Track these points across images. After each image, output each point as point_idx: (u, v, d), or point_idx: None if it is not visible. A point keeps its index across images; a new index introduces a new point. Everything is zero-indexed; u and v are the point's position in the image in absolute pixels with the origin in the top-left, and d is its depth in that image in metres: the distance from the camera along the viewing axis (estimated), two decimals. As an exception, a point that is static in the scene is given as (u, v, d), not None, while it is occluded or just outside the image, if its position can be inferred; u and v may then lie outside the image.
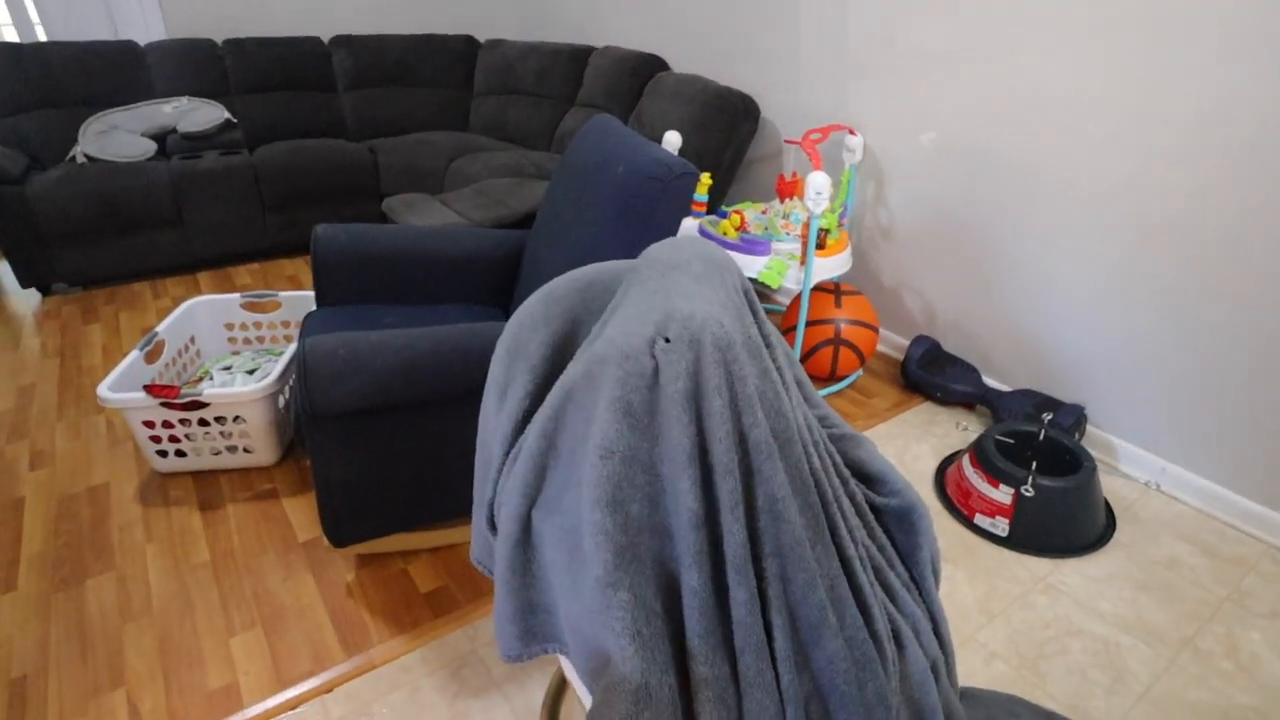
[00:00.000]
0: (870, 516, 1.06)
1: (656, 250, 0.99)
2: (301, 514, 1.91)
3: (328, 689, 1.46)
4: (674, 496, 0.88)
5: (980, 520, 1.88)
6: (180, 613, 1.63)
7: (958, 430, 2.30)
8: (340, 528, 1.55)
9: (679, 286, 0.92)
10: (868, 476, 1.07)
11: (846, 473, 1.02)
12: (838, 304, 2.41)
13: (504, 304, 2.11)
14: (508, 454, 0.99)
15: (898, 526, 1.07)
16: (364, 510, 1.56)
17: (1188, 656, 1.55)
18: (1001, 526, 1.85)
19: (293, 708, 1.43)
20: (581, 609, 0.90)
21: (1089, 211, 2.04)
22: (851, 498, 1.01)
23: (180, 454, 2.00)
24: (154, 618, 1.62)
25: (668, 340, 0.85)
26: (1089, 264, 2.07)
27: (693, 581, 0.88)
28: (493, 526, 1.03)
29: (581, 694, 1.00)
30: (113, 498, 1.98)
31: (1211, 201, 1.82)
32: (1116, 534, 1.89)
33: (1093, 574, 1.76)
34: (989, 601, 1.68)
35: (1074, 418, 2.08)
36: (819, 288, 2.49)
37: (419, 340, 1.44)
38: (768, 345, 1.02)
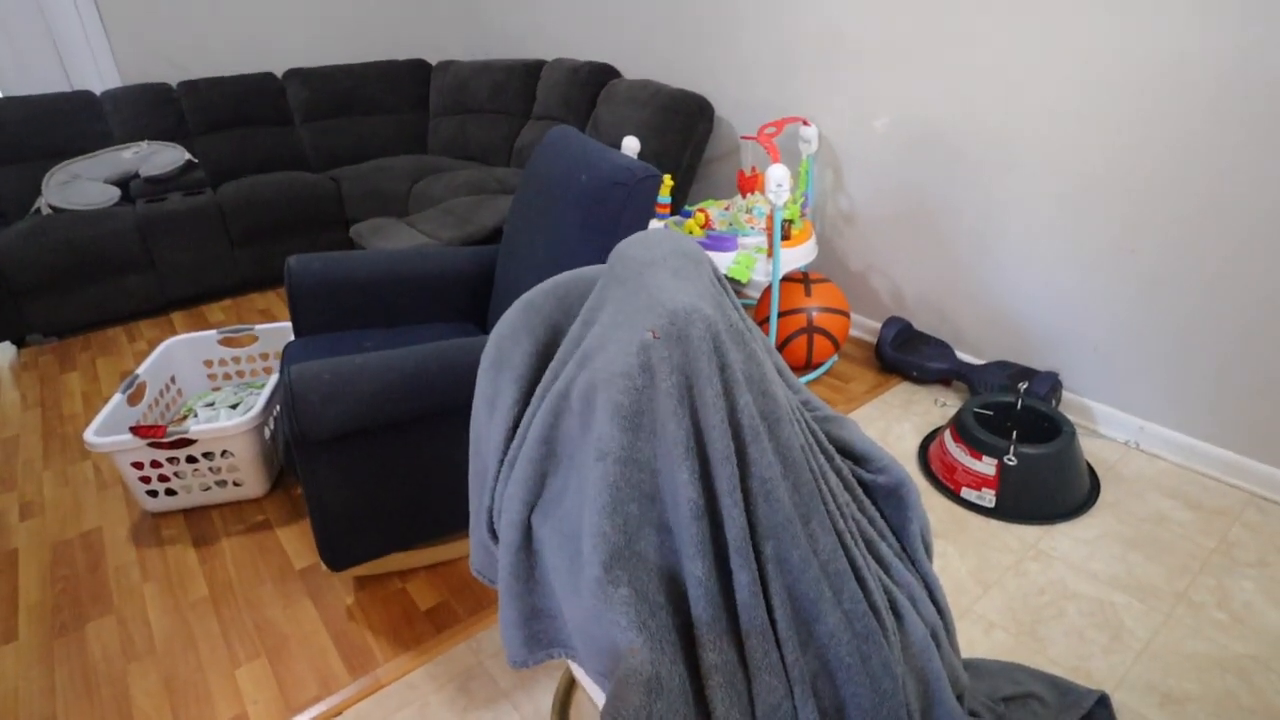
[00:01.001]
0: (859, 491, 1.09)
1: (629, 247, 1.01)
2: (296, 542, 1.92)
3: (336, 713, 1.47)
4: (673, 490, 0.90)
5: (967, 493, 1.92)
6: (183, 649, 1.64)
7: (937, 406, 2.34)
8: (336, 551, 1.56)
9: (658, 282, 0.94)
10: (854, 456, 1.10)
11: (832, 449, 1.04)
12: (808, 293, 2.46)
13: (479, 320, 2.13)
14: (503, 462, 1.01)
15: (887, 502, 1.10)
16: (359, 532, 1.57)
17: (1182, 610, 1.60)
18: (988, 498, 1.89)
19: (303, 733, 1.44)
20: (585, 609, 0.92)
21: (1041, 179, 2.09)
22: (839, 473, 1.04)
23: (170, 493, 2.00)
24: (157, 656, 1.63)
25: (655, 337, 0.88)
26: (1047, 231, 2.12)
27: (697, 571, 0.90)
28: (493, 535, 1.05)
29: (594, 694, 1.01)
30: (106, 541, 1.98)
31: (1156, 161, 1.88)
32: (1101, 495, 1.94)
33: (1082, 536, 1.81)
34: (982, 573, 1.72)
35: (1049, 385, 2.13)
36: (788, 278, 2.54)
37: (402, 359, 1.46)
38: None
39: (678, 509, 0.89)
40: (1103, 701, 1.38)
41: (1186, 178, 1.85)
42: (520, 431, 0.99)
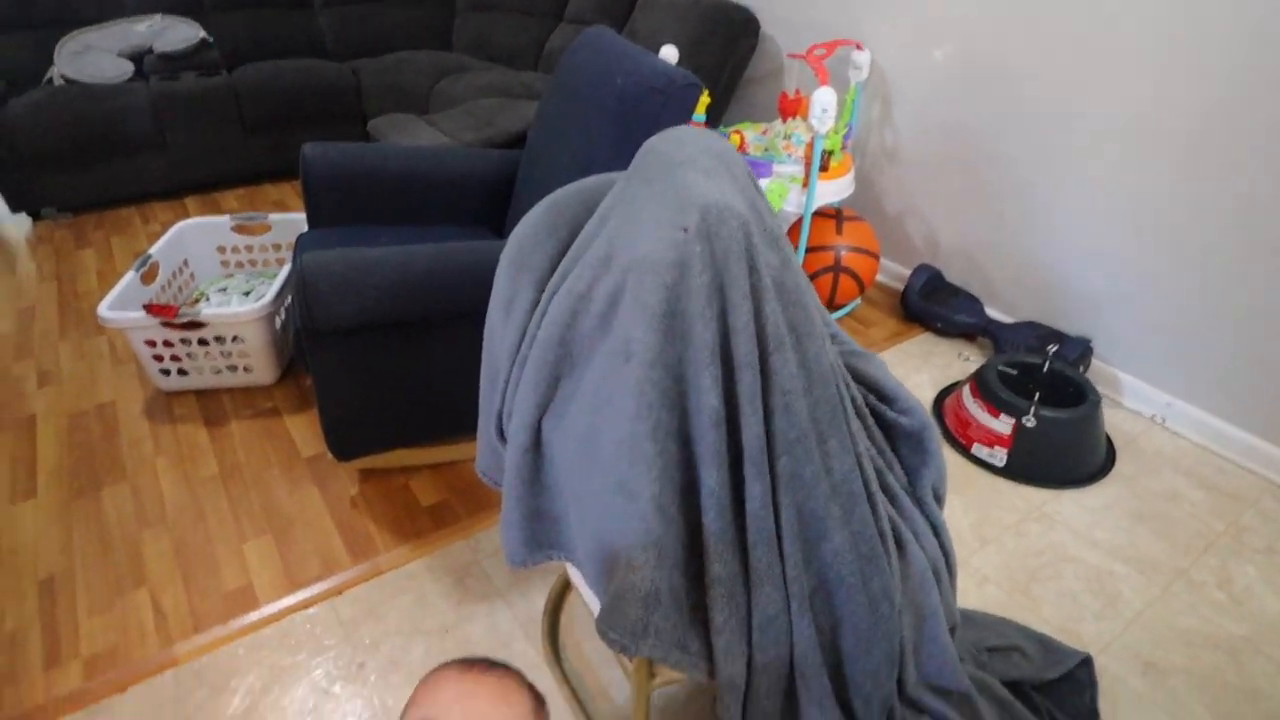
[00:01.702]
0: (871, 421, 1.12)
1: (659, 143, 1.01)
2: (303, 430, 2.01)
3: (337, 592, 1.58)
4: (696, 396, 0.92)
5: (978, 450, 1.97)
6: (193, 521, 1.75)
7: (959, 360, 2.37)
8: (343, 442, 1.64)
9: (689, 180, 0.94)
10: (879, 393, 1.13)
11: (848, 377, 1.07)
12: (839, 230, 2.45)
13: (496, 226, 2.15)
14: (514, 363, 1.05)
15: (905, 444, 1.12)
16: (366, 426, 1.64)
17: (1180, 586, 1.64)
18: (999, 456, 1.93)
19: (305, 608, 1.54)
20: (596, 514, 0.96)
21: (1102, 135, 2.06)
22: (854, 400, 1.07)
23: (182, 373, 2.09)
24: (169, 525, 1.74)
25: (685, 231, 0.89)
26: (1099, 192, 2.10)
27: (711, 481, 0.94)
28: (501, 437, 1.10)
29: (588, 598, 1.07)
30: (120, 414, 2.08)
31: (1229, 127, 1.84)
32: (1116, 467, 1.98)
33: (1090, 504, 1.85)
34: (983, 528, 1.78)
35: (1079, 350, 2.15)
36: (820, 213, 2.53)
37: (418, 256, 1.50)
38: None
39: (699, 416, 0.91)
40: (1086, 663, 1.45)
41: (1270, 152, 1.80)
42: (530, 332, 1.02)
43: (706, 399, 0.92)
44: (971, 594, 1.62)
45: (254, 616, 1.53)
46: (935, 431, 1.11)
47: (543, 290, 1.06)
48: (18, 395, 2.16)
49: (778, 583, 0.99)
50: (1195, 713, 1.38)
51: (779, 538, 0.98)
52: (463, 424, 1.71)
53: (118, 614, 1.54)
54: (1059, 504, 1.85)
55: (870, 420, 1.11)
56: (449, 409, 1.67)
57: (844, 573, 1.00)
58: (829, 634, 1.05)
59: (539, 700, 0.74)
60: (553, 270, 1.08)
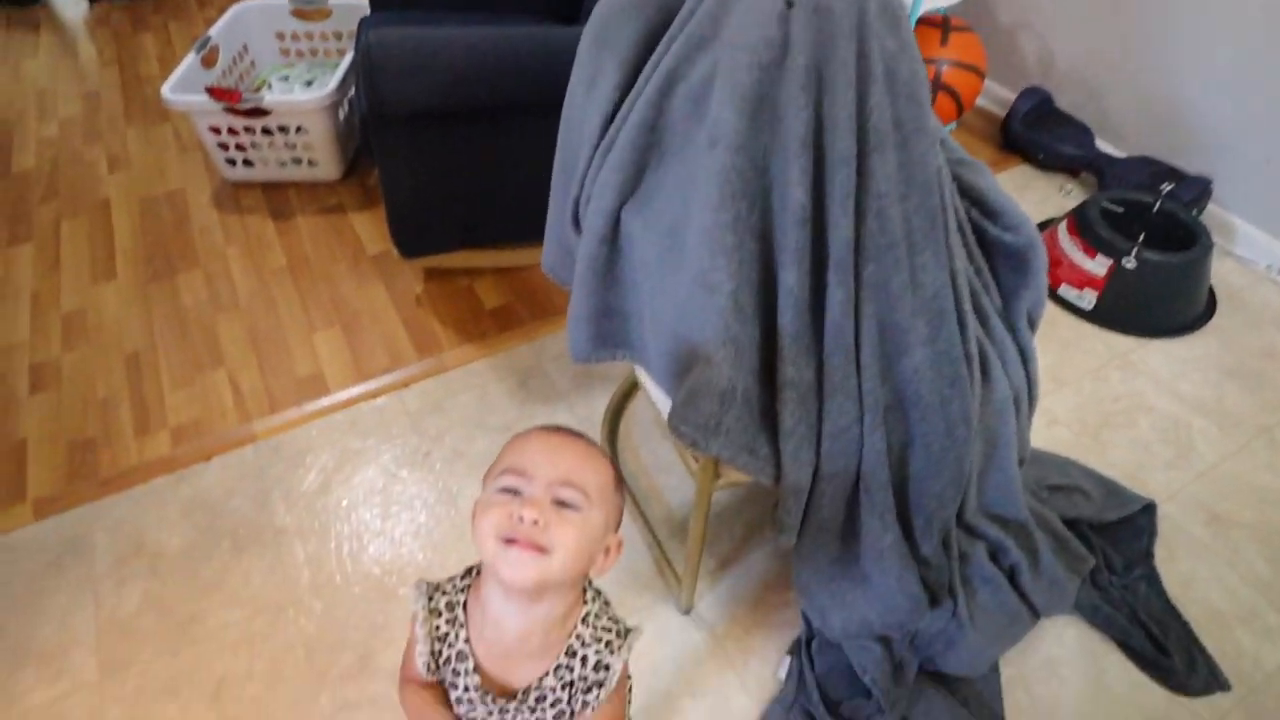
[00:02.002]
0: (972, 239, 1.04)
1: None
2: (369, 228, 2.02)
3: (404, 385, 1.63)
4: (781, 190, 0.86)
5: (1065, 291, 1.86)
6: (265, 309, 1.80)
7: (1060, 194, 2.20)
8: (408, 238, 1.63)
9: None
10: (985, 207, 1.04)
11: (954, 186, 0.99)
12: (944, 41, 2.21)
13: (570, 20, 2.00)
14: (597, 148, 0.98)
15: (1008, 264, 1.05)
16: (432, 223, 1.62)
17: (1262, 444, 1.58)
18: (1088, 299, 1.83)
19: (374, 398, 1.61)
20: (673, 309, 0.93)
21: (1283, -61, 1.76)
22: (956, 212, 0.99)
23: (248, 163, 2.07)
24: (241, 311, 1.80)
25: (790, 6, 0.79)
26: (1263, 13, 1.83)
27: (790, 280, 0.89)
28: (576, 226, 1.06)
29: (656, 399, 1.06)
30: (190, 203, 2.10)
31: None
32: (1215, 319, 1.86)
33: (1178, 355, 1.76)
34: (1060, 370, 1.72)
35: (1197, 191, 1.96)
36: (925, 20, 2.27)
37: (491, 38, 1.40)
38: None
39: (783, 212, 0.86)
40: (1148, 509, 1.42)
41: None
42: (620, 116, 0.95)
43: (793, 194, 0.86)
44: (1040, 434, 1.58)
45: (325, 402, 1.60)
46: (1042, 251, 1.02)
47: (627, 72, 0.98)
48: (91, 178, 2.19)
49: (852, 394, 0.96)
50: (1254, 565, 1.37)
51: (857, 348, 0.95)
52: (529, 229, 1.65)
53: (199, 390, 1.63)
54: (1145, 352, 1.77)
55: (971, 236, 1.03)
56: (515, 211, 1.62)
57: (922, 391, 0.97)
58: (899, 451, 1.03)
59: (619, 475, 0.75)
60: (637, 51, 0.99)
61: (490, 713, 0.75)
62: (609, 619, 0.74)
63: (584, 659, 0.71)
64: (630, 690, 0.77)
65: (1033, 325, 1.09)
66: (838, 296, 0.90)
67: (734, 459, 0.91)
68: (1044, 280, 1.08)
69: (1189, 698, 1.20)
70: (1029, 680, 1.22)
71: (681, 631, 1.26)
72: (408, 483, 1.47)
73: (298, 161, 2.08)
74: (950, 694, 1.17)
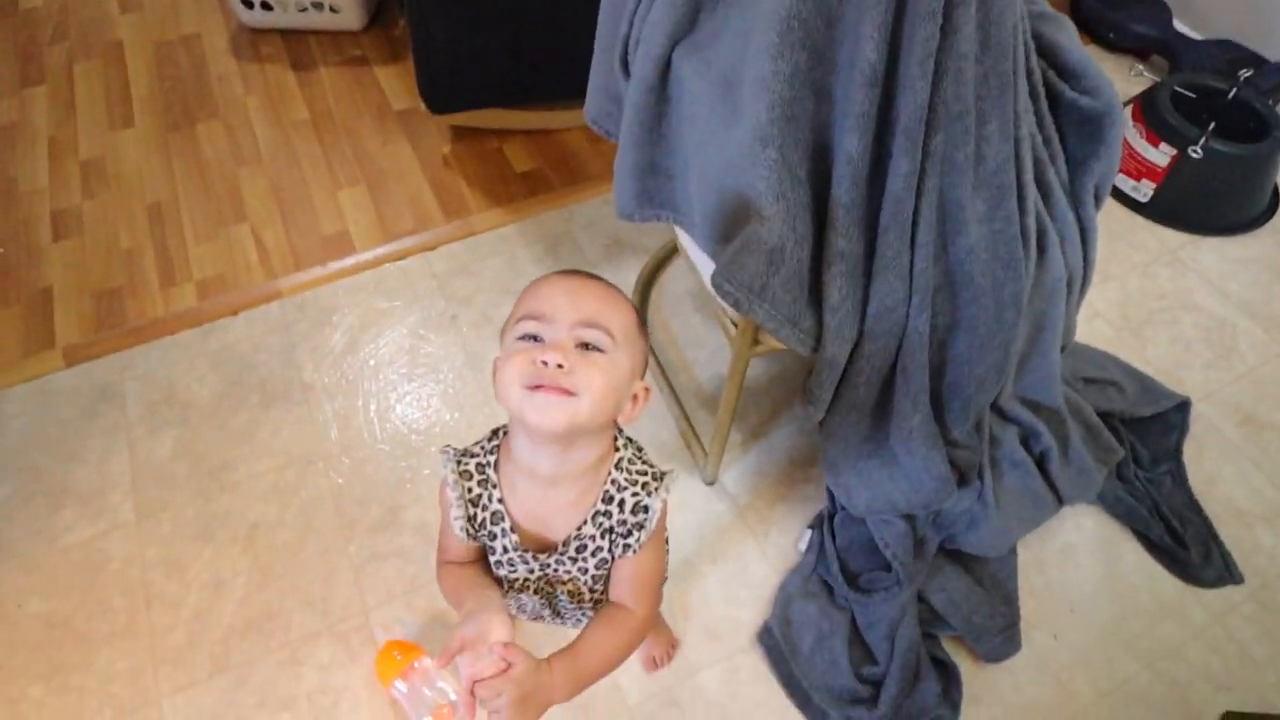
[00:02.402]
0: (1045, 104, 0.97)
1: None
2: (394, 82, 1.94)
3: (430, 247, 1.61)
4: (850, 46, 0.79)
5: (1122, 181, 1.78)
6: (287, 163, 1.76)
7: (1130, 76, 2.06)
8: (438, 92, 1.56)
9: None
10: (1061, 66, 0.96)
11: (1032, 45, 0.91)
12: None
13: None
14: None
15: (1080, 130, 0.98)
16: (463, 75, 1.55)
17: (1306, 350, 1.54)
18: (1145, 191, 1.75)
19: (400, 259, 1.59)
20: (722, 163, 0.88)
21: None
22: (1030, 75, 0.92)
23: (266, 6, 1.97)
24: (264, 165, 1.76)
25: None
26: None
27: (850, 147, 0.84)
28: (625, 70, 1.00)
29: (698, 263, 1.03)
30: (206, 48, 2.01)
31: None
32: (1275, 219, 1.78)
33: (1232, 255, 1.70)
34: (1107, 264, 1.66)
35: (1277, 80, 1.84)
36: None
37: None
38: None
39: (850, 69, 0.79)
40: (1181, 406, 1.41)
41: None
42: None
43: (863, 51, 0.79)
44: (1079, 327, 1.53)
45: (350, 261, 1.58)
46: (1120, 118, 0.95)
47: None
48: (103, 19, 2.10)
49: (903, 273, 0.92)
50: (1285, 467, 1.36)
51: (914, 225, 0.91)
52: (564, 87, 1.58)
53: (223, 244, 1.61)
54: (1196, 250, 1.70)
55: (1044, 102, 0.96)
56: (554, 67, 1.54)
57: (975, 273, 0.93)
58: (943, 333, 1.00)
59: (641, 318, 0.72)
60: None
61: (531, 570, 0.75)
62: (643, 463, 0.73)
63: (621, 503, 0.70)
64: (668, 544, 0.78)
65: (1099, 199, 1.04)
66: (902, 167, 0.84)
67: (777, 329, 0.89)
68: (1118, 151, 1.01)
69: (1201, 588, 1.22)
70: (1045, 564, 1.24)
71: (705, 501, 1.29)
72: (434, 343, 1.47)
73: (319, 6, 1.97)
74: (966, 572, 1.20)
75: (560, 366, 0.62)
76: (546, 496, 0.71)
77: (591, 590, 0.78)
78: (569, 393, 0.62)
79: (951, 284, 0.96)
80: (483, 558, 0.77)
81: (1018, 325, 0.99)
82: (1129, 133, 1.76)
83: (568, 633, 0.74)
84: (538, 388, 0.62)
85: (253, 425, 1.36)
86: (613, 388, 0.65)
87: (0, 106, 1.89)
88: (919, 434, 1.06)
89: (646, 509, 0.70)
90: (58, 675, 1.11)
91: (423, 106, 1.67)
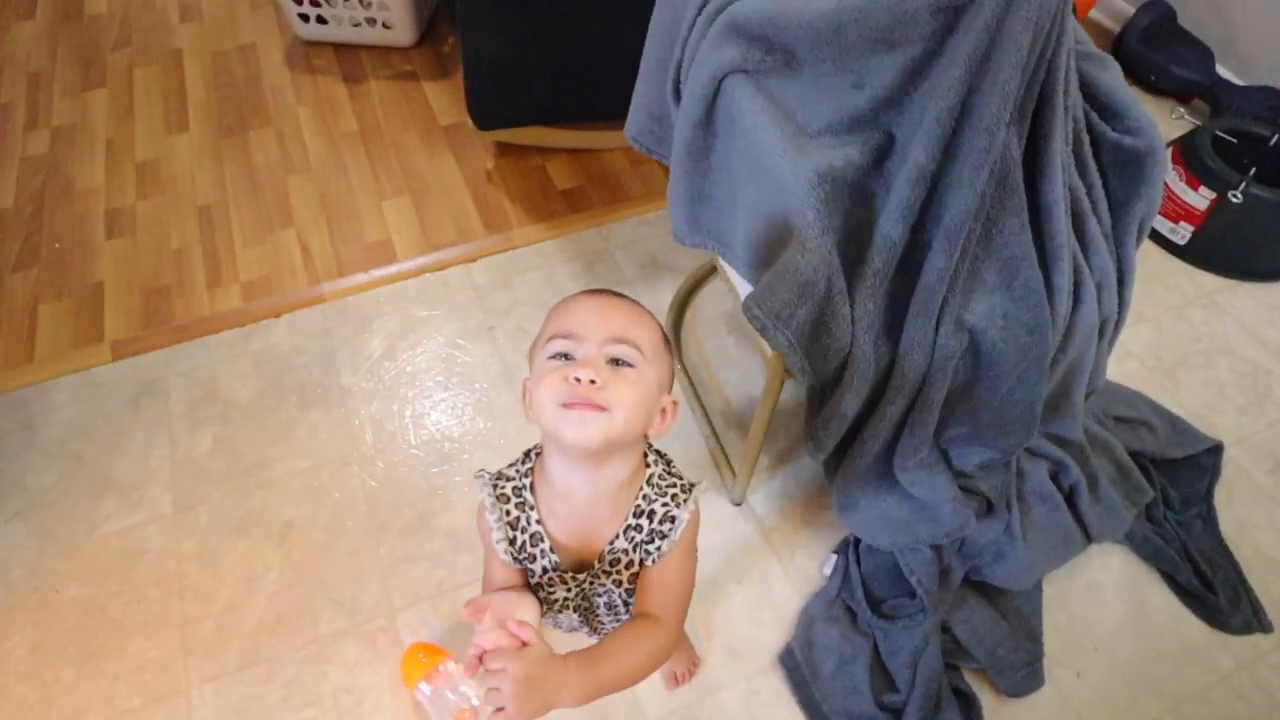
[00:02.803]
0: (1087, 151, 0.99)
1: None
2: (442, 98, 1.99)
3: (471, 259, 1.65)
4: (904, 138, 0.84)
5: (1159, 223, 1.79)
6: (335, 173, 1.82)
7: (1171, 119, 2.08)
8: (485, 108, 1.61)
9: None
10: (1104, 106, 0.98)
11: (1077, 87, 0.93)
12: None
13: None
14: (702, 10, 0.93)
15: (1122, 170, 0.99)
16: (509, 92, 1.60)
17: (1341, 400, 1.54)
18: (1182, 234, 1.76)
19: (441, 269, 1.63)
20: (778, 189, 0.90)
21: None
22: (1076, 122, 0.94)
23: (321, 20, 2.04)
24: (313, 174, 1.81)
25: None
26: None
27: (893, 233, 0.88)
28: (677, 96, 1.01)
29: (739, 287, 1.05)
30: (261, 59, 2.09)
31: None
32: (1314, 267, 1.78)
33: (1269, 301, 1.69)
34: (1141, 305, 1.66)
35: (1320, 128, 1.85)
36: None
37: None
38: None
39: (901, 166, 0.84)
40: (1214, 450, 1.40)
41: None
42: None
43: (914, 155, 0.83)
44: (1111, 367, 1.54)
45: (393, 270, 1.62)
46: (1163, 158, 0.97)
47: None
48: (163, 27, 2.19)
49: (926, 345, 0.95)
50: (1317, 516, 1.36)
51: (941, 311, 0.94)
52: (608, 108, 1.62)
53: (269, 249, 1.66)
54: (1234, 295, 1.70)
55: (1087, 149, 0.98)
56: (599, 88, 1.57)
57: (994, 339, 0.95)
58: (961, 389, 1.02)
59: (666, 336, 0.74)
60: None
61: (569, 590, 0.76)
62: (673, 476, 0.75)
63: (650, 514, 0.72)
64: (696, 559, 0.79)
65: (1140, 237, 1.05)
66: (937, 264, 0.88)
67: (792, 361, 0.91)
68: (1160, 190, 1.02)
69: (1229, 634, 1.21)
70: (1070, 600, 1.24)
71: (731, 521, 1.30)
72: (470, 354, 1.50)
73: (371, 22, 2.04)
74: (991, 604, 1.20)
75: (593, 382, 0.63)
76: (583, 515, 0.72)
77: (627, 604, 0.79)
78: (602, 408, 0.63)
79: (975, 347, 0.97)
80: (526, 584, 0.77)
81: (1041, 384, 1.00)
82: (1168, 175, 1.77)
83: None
84: (572, 405, 0.63)
85: (290, 425, 1.40)
86: (644, 401, 0.66)
87: (63, 107, 1.97)
88: (925, 464, 1.07)
89: (673, 519, 0.72)
90: (91, 660, 1.15)
91: (469, 122, 1.72)
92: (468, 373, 1.48)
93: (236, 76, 2.04)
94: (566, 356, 0.67)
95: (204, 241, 1.68)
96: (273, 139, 1.88)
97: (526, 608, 0.64)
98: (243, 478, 1.33)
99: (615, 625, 0.84)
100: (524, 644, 0.62)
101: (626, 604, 0.79)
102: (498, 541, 0.73)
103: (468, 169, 1.82)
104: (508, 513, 0.73)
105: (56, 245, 1.67)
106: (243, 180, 1.79)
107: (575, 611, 0.80)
